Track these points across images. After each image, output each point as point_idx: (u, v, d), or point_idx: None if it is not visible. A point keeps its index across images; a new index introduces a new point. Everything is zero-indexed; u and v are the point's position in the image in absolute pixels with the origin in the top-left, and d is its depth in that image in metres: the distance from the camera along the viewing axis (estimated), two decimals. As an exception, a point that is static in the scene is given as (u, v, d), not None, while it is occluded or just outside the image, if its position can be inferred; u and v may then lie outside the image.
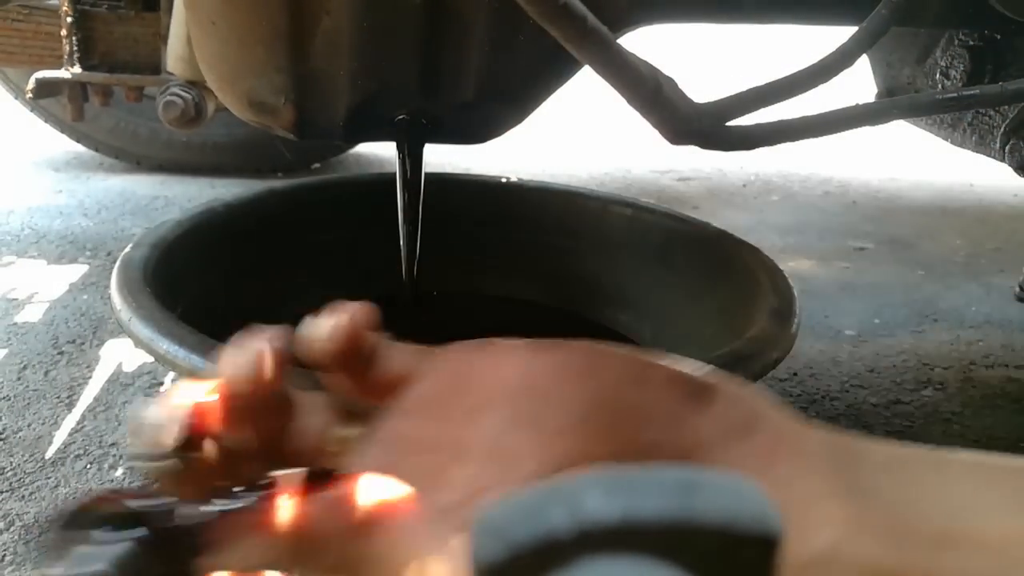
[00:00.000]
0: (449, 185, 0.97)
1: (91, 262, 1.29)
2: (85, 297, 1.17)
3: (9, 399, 0.94)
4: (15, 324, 1.10)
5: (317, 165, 1.81)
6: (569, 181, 1.13)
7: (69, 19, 0.90)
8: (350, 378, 0.32)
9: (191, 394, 0.30)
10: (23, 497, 0.79)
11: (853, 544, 0.27)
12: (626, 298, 0.94)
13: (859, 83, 1.03)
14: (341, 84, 0.77)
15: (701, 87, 0.76)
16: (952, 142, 0.96)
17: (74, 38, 0.90)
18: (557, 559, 0.19)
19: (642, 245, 0.93)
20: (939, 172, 2.09)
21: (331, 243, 0.94)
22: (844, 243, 1.58)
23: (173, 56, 0.86)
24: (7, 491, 0.79)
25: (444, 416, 0.30)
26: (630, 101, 0.59)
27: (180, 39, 0.84)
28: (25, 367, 1.00)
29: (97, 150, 1.73)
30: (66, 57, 0.91)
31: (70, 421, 0.90)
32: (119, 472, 0.83)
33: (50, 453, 0.85)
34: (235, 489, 0.28)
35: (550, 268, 0.97)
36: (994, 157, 0.91)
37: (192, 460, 0.29)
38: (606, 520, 0.19)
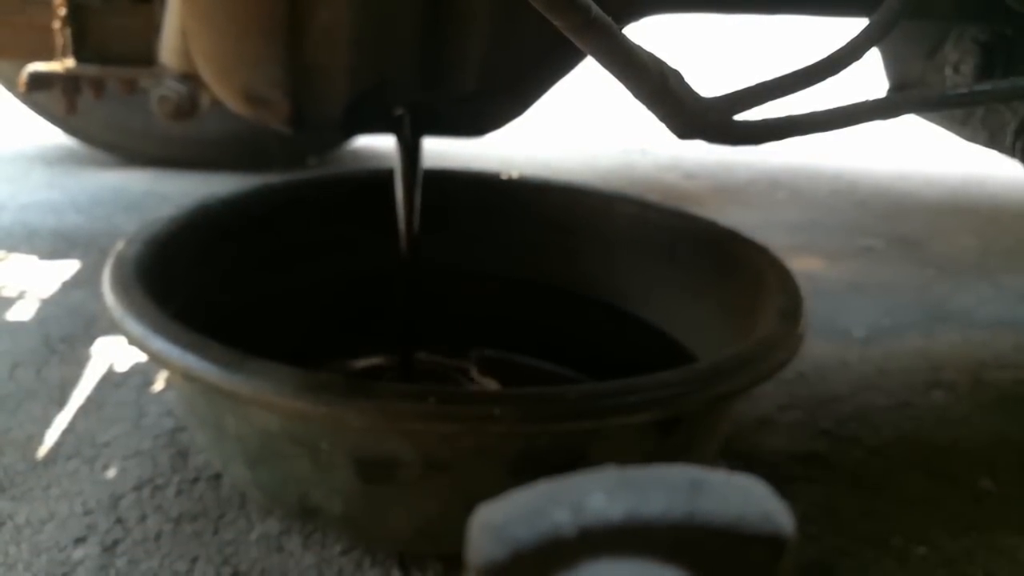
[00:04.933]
0: (447, 181, 0.95)
1: (84, 259, 1.28)
2: (77, 294, 1.16)
3: (0, 398, 0.92)
4: (6, 321, 1.08)
5: (314, 160, 1.80)
6: (571, 177, 1.11)
7: (62, 11, 0.88)
8: None
9: None
10: (14, 497, 0.77)
11: None
12: (631, 297, 0.92)
13: (870, 77, 1.01)
14: (339, 77, 0.76)
15: (708, 81, 0.75)
16: (963, 138, 0.94)
17: (67, 30, 0.89)
18: (560, 560, 0.18)
19: (647, 243, 0.92)
20: (950, 169, 2.06)
21: (327, 239, 0.93)
22: (853, 242, 1.56)
23: (167, 48, 0.85)
24: (-2, 491, 0.78)
25: None
26: (635, 94, 0.57)
27: (174, 31, 0.83)
28: (16, 365, 0.98)
29: (90, 145, 1.71)
30: (59, 50, 0.89)
31: (62, 420, 0.89)
32: (111, 473, 0.81)
33: (41, 453, 0.84)
34: None
35: (552, 267, 0.96)
36: (1006, 153, 0.90)
37: None
38: (610, 520, 0.18)
